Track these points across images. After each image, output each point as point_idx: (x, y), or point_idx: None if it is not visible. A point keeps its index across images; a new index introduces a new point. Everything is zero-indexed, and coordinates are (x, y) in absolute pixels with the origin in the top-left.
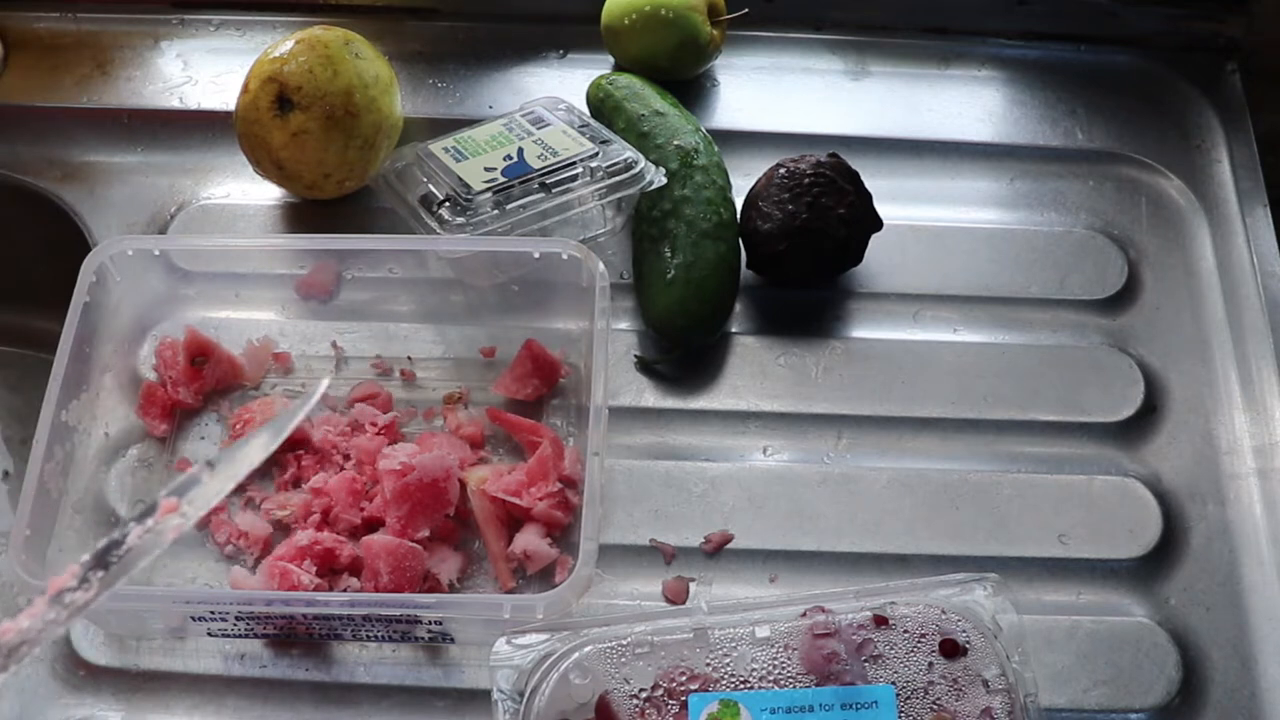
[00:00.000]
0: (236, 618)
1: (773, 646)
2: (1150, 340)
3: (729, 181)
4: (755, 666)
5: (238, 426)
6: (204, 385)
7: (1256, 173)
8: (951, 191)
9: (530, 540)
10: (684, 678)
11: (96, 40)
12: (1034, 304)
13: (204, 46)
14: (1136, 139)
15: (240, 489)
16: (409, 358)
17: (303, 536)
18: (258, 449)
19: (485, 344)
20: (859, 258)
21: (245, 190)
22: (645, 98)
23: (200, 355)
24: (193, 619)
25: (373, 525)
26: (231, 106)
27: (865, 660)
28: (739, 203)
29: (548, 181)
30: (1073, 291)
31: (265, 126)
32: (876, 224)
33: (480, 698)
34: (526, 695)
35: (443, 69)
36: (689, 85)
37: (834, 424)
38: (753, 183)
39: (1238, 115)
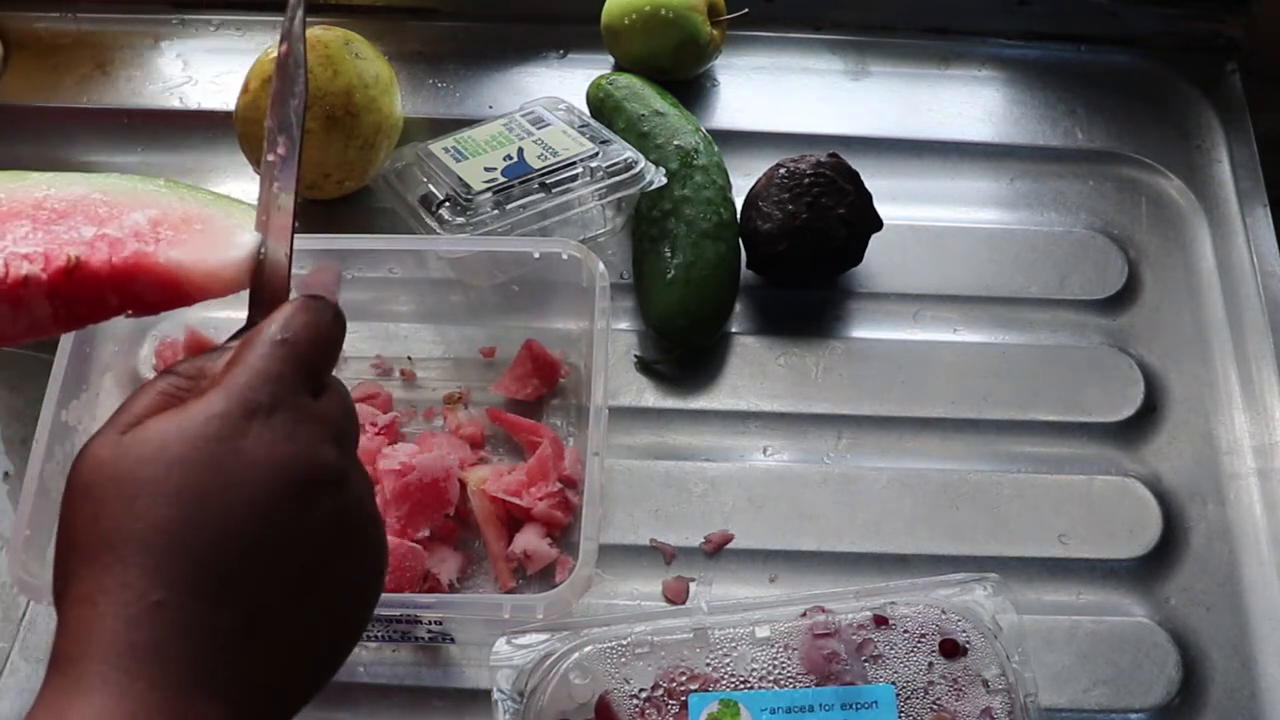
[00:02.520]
0: None
1: (773, 646)
2: (1150, 340)
3: (729, 181)
4: (755, 666)
5: None
6: None
7: (1256, 173)
8: (951, 191)
9: (530, 540)
10: (684, 678)
11: (96, 40)
12: (1034, 304)
13: (204, 46)
14: (1136, 139)
15: None
16: (409, 358)
17: None
18: None
19: (485, 344)
20: (859, 258)
21: (245, 190)
22: (645, 98)
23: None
24: None
25: None
26: (231, 106)
27: (865, 660)
28: (739, 203)
29: (548, 181)
30: (1073, 291)
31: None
32: (876, 224)
33: (480, 698)
34: (526, 695)
35: (443, 69)
36: (689, 85)
37: (834, 424)
38: (753, 183)
39: (1238, 115)
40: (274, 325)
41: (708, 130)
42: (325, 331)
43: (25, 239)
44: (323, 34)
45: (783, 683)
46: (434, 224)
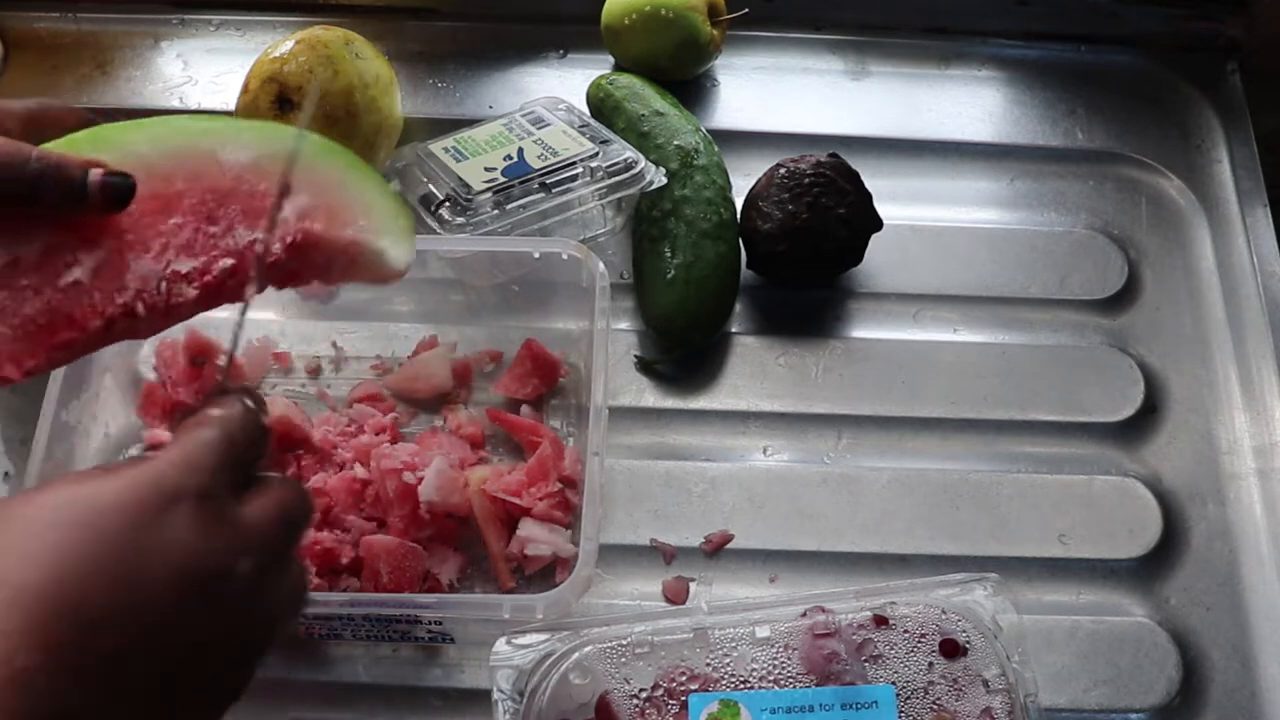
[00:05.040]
0: None
1: (773, 646)
2: (1150, 340)
3: (729, 181)
4: (755, 666)
5: None
6: (204, 385)
7: (1256, 173)
8: (951, 191)
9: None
10: (684, 678)
11: (96, 40)
12: (1034, 304)
13: (204, 46)
14: (1136, 139)
15: None
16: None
17: None
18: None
19: (485, 344)
20: (859, 258)
21: None
22: (645, 98)
23: (200, 355)
24: None
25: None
26: (231, 106)
27: (865, 660)
28: (739, 203)
29: (548, 181)
30: (1073, 291)
31: None
32: (876, 224)
33: (480, 698)
34: (526, 695)
35: (443, 69)
36: (689, 85)
37: (834, 424)
38: (753, 183)
39: (1238, 115)
40: (211, 418)
41: (708, 130)
42: (253, 432)
43: (184, 248)
44: (323, 34)
45: (783, 683)
46: (434, 224)
